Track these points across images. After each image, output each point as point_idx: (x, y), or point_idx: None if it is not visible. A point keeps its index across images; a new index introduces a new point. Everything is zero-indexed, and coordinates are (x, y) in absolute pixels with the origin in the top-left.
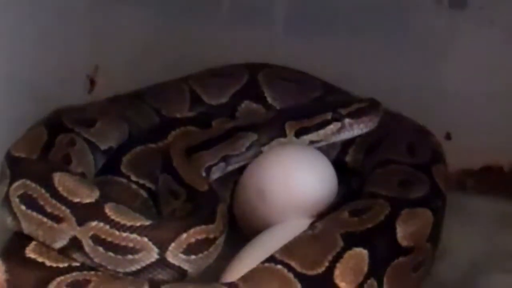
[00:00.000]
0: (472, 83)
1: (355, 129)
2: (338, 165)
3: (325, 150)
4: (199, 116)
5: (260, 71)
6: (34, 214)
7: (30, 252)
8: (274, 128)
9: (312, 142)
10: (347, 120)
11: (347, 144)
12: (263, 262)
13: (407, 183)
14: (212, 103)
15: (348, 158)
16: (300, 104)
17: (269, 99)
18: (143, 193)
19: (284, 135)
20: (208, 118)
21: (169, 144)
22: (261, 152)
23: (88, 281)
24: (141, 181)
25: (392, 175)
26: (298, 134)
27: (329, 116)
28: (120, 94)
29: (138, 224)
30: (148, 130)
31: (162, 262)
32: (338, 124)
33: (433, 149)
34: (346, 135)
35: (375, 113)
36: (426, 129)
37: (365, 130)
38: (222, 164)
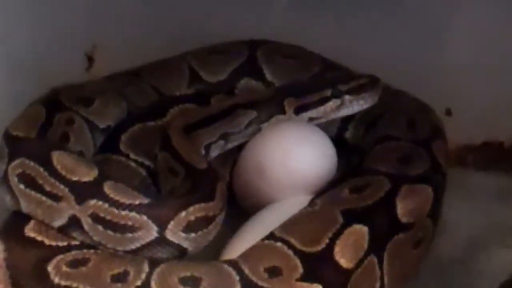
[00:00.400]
0: (472, 58)
1: (355, 105)
2: (338, 141)
3: (324, 127)
4: (198, 94)
5: (259, 48)
6: (33, 193)
7: (29, 231)
8: (273, 105)
9: (311, 119)
10: (346, 97)
11: (346, 120)
12: (263, 239)
13: (407, 160)
14: (211, 81)
15: (347, 135)
16: (299, 81)
17: (268, 76)
18: (142, 171)
19: (283, 112)
20: (207, 95)
21: (168, 122)
22: (260, 129)
23: (87, 260)
24: (140, 159)
25: (392, 152)
26: (298, 111)
27: (328, 93)
28: (118, 72)
29: (137, 202)
30: (147, 108)
31: (161, 240)
32: (338, 101)
33: (433, 125)
34: (345, 111)
35: (375, 89)
36: (427, 105)
37: (365, 107)
38: (221, 142)
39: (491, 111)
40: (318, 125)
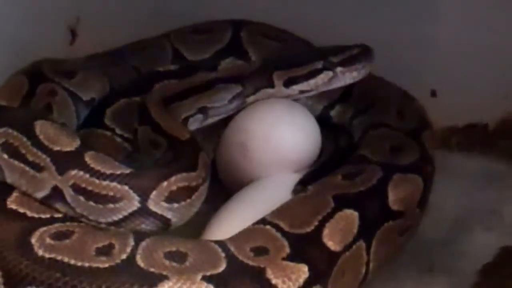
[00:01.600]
0: (458, 39)
1: (347, 77)
2: (324, 121)
3: (310, 106)
4: (183, 69)
5: (243, 28)
6: (16, 163)
7: (11, 203)
8: (260, 78)
9: (302, 92)
10: (339, 69)
11: (332, 100)
12: (253, 224)
13: (399, 149)
14: (194, 60)
15: (333, 113)
16: (289, 53)
17: (253, 57)
18: (128, 147)
19: (271, 85)
20: (193, 70)
21: (145, 96)
22: (245, 103)
23: (71, 232)
24: (126, 135)
25: (384, 140)
26: (288, 83)
27: (320, 65)
28: (100, 52)
29: (118, 172)
30: (132, 83)
31: (144, 210)
32: (330, 73)
33: (420, 115)
34: (337, 84)
35: (368, 60)
36: (410, 94)
37: (357, 78)
38: (199, 116)
39: (475, 93)
40: (303, 104)
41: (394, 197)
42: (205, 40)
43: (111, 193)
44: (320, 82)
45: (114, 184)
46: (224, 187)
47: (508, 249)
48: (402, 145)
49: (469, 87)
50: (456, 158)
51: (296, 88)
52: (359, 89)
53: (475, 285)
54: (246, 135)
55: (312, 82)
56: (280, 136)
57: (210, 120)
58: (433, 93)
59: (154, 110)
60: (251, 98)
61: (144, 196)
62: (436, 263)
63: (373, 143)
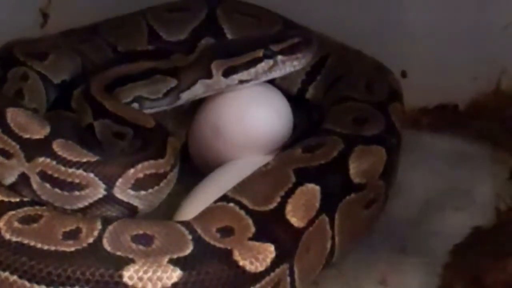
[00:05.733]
0: (429, 19)
1: (288, 66)
2: (299, 101)
3: (284, 87)
4: (157, 50)
5: (218, 5)
6: None
7: None
8: (197, 69)
9: (241, 82)
10: (279, 57)
11: (307, 80)
12: (216, 201)
13: (362, 120)
14: (170, 40)
15: (308, 95)
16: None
17: (229, 35)
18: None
19: (209, 76)
20: (168, 52)
21: (86, 89)
22: (179, 98)
23: (39, 216)
24: None
25: (348, 112)
26: (227, 73)
27: (260, 53)
28: (74, 28)
29: (84, 160)
30: (102, 64)
31: (109, 198)
32: (270, 62)
33: (391, 87)
34: (277, 73)
35: (309, 49)
36: (385, 67)
37: (297, 67)
38: (135, 105)
39: (446, 73)
40: (278, 85)
41: (355, 169)
42: (180, 18)
43: (77, 181)
44: (261, 70)
45: (79, 171)
46: (197, 168)
47: (480, 229)
48: (367, 117)
49: (439, 68)
50: (427, 138)
51: (236, 77)
52: (332, 63)
53: (447, 265)
54: (219, 117)
55: (252, 71)
56: (252, 118)
57: (145, 111)
58: (403, 74)
59: (109, 103)
60: (185, 95)
61: (110, 184)
62: (408, 243)
63: (337, 116)
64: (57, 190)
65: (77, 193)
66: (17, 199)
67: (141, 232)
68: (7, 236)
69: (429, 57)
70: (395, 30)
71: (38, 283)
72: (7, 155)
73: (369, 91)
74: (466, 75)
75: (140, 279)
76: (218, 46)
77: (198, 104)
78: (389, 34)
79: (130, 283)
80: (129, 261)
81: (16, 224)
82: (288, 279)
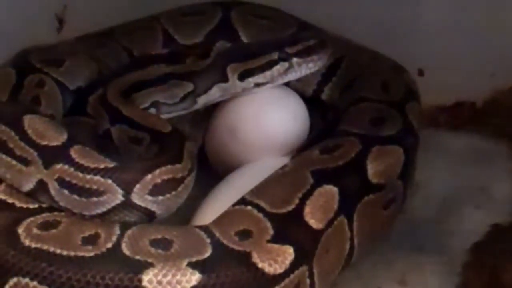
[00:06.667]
0: (445, 17)
1: (303, 68)
2: (315, 102)
3: (300, 88)
4: (172, 53)
5: (232, 9)
6: (4, 156)
7: (0, 193)
8: (213, 73)
9: (257, 85)
10: (294, 60)
11: (323, 82)
12: (233, 205)
13: (379, 121)
14: (186, 44)
15: (324, 96)
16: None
17: (244, 38)
18: None
19: (225, 79)
20: (182, 55)
21: (102, 95)
22: (196, 103)
23: (58, 222)
24: None
25: (365, 113)
26: (242, 76)
27: (275, 56)
28: (90, 33)
29: (102, 166)
30: (118, 70)
31: (127, 204)
32: (286, 64)
33: (408, 87)
34: (293, 75)
35: (324, 51)
36: (401, 66)
37: (313, 70)
38: (152, 110)
39: (463, 71)
40: (294, 87)
41: (373, 170)
42: (195, 22)
43: (95, 187)
44: (276, 73)
45: (97, 177)
46: (214, 171)
47: (498, 227)
48: (384, 117)
49: (456, 65)
50: (444, 136)
51: (251, 80)
52: (347, 64)
53: (466, 263)
54: (235, 119)
55: (268, 73)
56: (269, 120)
57: (163, 117)
58: (420, 72)
59: (125, 108)
60: (201, 99)
61: (127, 190)
62: (426, 242)
63: (353, 116)
64: (75, 196)
65: (95, 199)
66: (36, 206)
67: (159, 236)
68: (27, 242)
69: (446, 55)
70: (412, 28)
71: None
72: (25, 162)
73: (385, 91)
74: (483, 73)
75: (159, 282)
76: (234, 50)
77: (214, 107)
78: (406, 33)
79: (149, 287)
80: (148, 265)
81: (35, 230)
82: (308, 280)
